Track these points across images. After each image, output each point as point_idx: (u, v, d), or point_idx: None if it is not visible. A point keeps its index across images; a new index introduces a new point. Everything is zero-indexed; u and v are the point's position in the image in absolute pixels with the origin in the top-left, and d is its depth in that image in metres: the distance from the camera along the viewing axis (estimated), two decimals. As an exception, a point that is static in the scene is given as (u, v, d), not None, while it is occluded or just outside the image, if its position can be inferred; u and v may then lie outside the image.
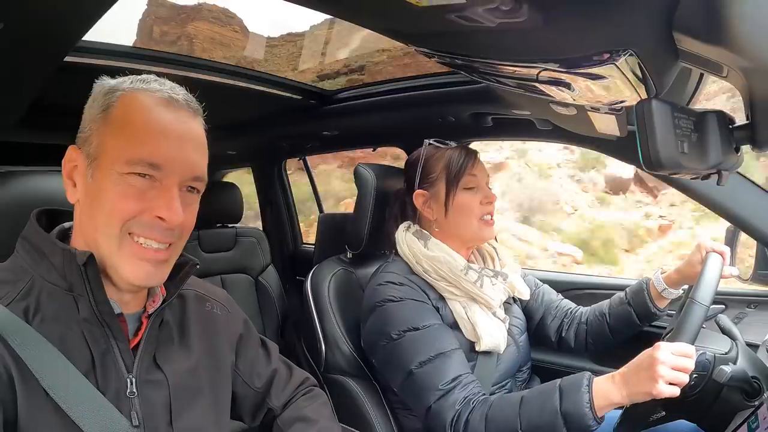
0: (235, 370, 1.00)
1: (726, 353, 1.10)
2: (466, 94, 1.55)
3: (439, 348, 1.22)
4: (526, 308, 1.56)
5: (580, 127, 1.21)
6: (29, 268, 0.77)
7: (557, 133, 1.49)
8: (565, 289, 1.74)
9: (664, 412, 1.11)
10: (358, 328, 1.40)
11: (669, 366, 0.98)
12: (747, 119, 0.67)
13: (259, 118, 2.24)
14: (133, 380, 0.78)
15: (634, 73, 0.69)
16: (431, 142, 1.43)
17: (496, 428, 1.11)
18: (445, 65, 0.93)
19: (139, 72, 0.83)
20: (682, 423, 1.19)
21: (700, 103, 1.03)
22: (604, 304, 1.49)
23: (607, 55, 0.63)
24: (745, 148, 0.74)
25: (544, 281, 1.63)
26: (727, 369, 1.04)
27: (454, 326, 1.31)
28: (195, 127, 0.80)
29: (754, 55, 0.54)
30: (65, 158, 0.79)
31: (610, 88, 0.75)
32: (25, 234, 0.79)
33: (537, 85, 0.82)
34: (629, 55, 0.63)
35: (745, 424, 1.03)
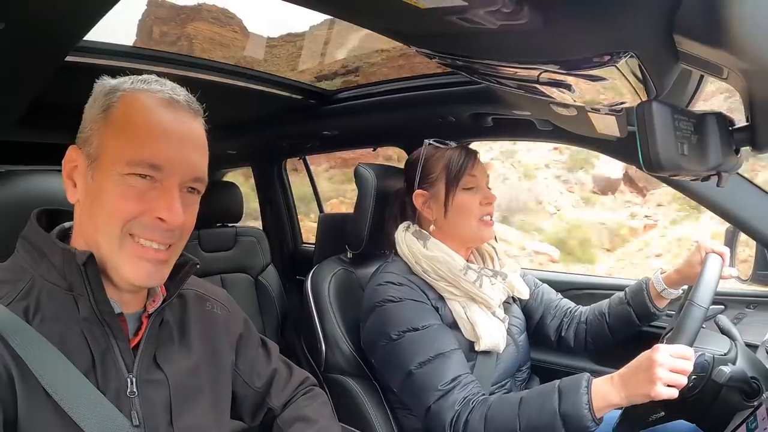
0: (235, 370, 1.00)
1: (725, 354, 1.11)
2: (466, 95, 1.56)
3: (439, 348, 1.22)
4: (526, 308, 1.56)
5: (581, 127, 1.22)
6: (29, 267, 0.77)
7: (557, 133, 1.49)
8: (565, 288, 1.74)
9: (663, 413, 1.12)
10: (358, 328, 1.40)
11: (667, 368, 0.99)
12: (747, 121, 0.67)
13: (260, 118, 2.24)
14: (134, 380, 0.78)
15: (635, 75, 0.69)
16: (431, 142, 1.43)
17: (495, 428, 1.12)
18: (446, 66, 0.93)
19: (139, 72, 0.83)
20: (681, 423, 1.19)
21: (698, 104, 1.03)
22: (604, 303, 1.49)
23: (607, 57, 0.63)
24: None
25: (544, 281, 1.63)
26: (727, 369, 1.04)
27: (454, 326, 1.31)
28: (196, 127, 0.80)
29: (754, 58, 0.54)
30: (65, 158, 0.78)
31: (610, 89, 0.75)
32: (25, 234, 0.79)
33: (537, 86, 0.82)
34: (630, 56, 0.63)
35: (744, 424, 1.03)
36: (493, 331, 1.31)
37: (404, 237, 1.38)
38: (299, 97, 1.90)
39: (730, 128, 0.71)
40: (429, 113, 1.73)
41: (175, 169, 0.76)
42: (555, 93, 0.84)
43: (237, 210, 2.51)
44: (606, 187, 12.18)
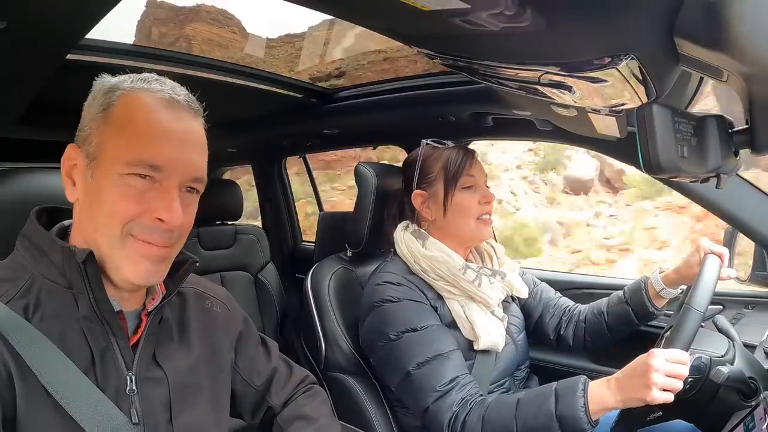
0: (234, 368, 1.00)
1: (723, 354, 1.11)
2: (466, 94, 1.56)
3: (437, 349, 1.22)
4: (525, 307, 1.56)
5: (581, 128, 1.22)
6: (29, 265, 0.77)
7: (557, 133, 1.49)
8: (564, 288, 1.74)
9: (661, 412, 1.12)
10: (358, 327, 1.40)
11: (663, 373, 0.99)
12: (746, 123, 0.68)
13: (260, 116, 2.24)
14: (133, 378, 0.78)
15: (635, 77, 0.69)
16: (429, 142, 1.43)
17: (492, 429, 1.12)
18: (447, 66, 0.93)
19: (139, 70, 0.82)
20: (679, 423, 1.20)
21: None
22: (603, 302, 1.49)
23: (608, 59, 0.64)
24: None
25: (543, 280, 1.64)
26: (724, 369, 1.05)
27: (453, 325, 1.31)
28: (195, 127, 0.80)
29: (754, 61, 0.54)
30: (64, 156, 0.78)
31: (610, 91, 0.76)
32: (25, 232, 0.79)
33: (538, 87, 0.82)
34: (630, 59, 0.63)
35: (742, 424, 1.03)
36: (492, 330, 1.31)
37: (403, 236, 1.38)
38: (299, 95, 1.90)
39: (730, 131, 0.71)
40: (429, 112, 1.73)
41: (175, 169, 0.75)
42: (555, 94, 0.85)
43: (237, 208, 2.52)
44: (578, 188, 12.27)
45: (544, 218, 11.44)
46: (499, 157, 13.60)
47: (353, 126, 2.09)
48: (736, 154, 0.73)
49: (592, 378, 1.12)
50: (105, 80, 0.79)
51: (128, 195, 0.73)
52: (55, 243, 0.76)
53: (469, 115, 1.66)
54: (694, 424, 1.18)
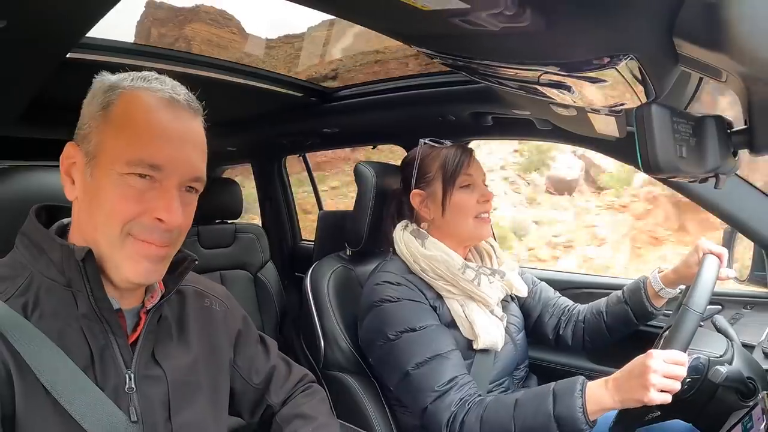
0: (233, 367, 1.00)
1: (722, 354, 1.11)
2: (466, 94, 1.56)
3: (436, 349, 1.22)
4: (524, 306, 1.56)
5: (580, 127, 1.22)
6: (28, 263, 0.77)
7: (557, 133, 1.49)
8: (563, 288, 1.74)
9: (659, 412, 1.12)
10: (357, 326, 1.40)
11: (660, 374, 0.99)
12: (745, 124, 0.68)
13: (260, 115, 2.24)
14: (132, 376, 0.78)
15: (635, 77, 0.69)
16: (426, 141, 1.43)
17: (490, 429, 1.12)
18: (447, 66, 0.93)
19: (139, 68, 0.82)
20: (678, 422, 1.20)
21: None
22: (602, 302, 1.49)
23: (608, 59, 0.64)
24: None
25: (542, 279, 1.64)
26: (723, 369, 1.05)
27: (452, 325, 1.31)
28: (195, 127, 0.80)
29: (753, 62, 0.54)
30: (63, 154, 0.78)
31: (610, 91, 0.76)
32: (24, 230, 0.79)
33: (538, 87, 0.82)
34: (630, 59, 0.63)
35: (740, 423, 1.04)
36: (491, 330, 1.31)
37: (402, 236, 1.38)
38: (299, 94, 1.91)
39: (729, 131, 0.71)
40: (429, 112, 1.73)
41: (175, 169, 0.75)
42: (555, 94, 0.85)
43: (237, 206, 2.52)
44: (562, 188, 12.31)
45: (521, 218, 11.49)
46: (484, 159, 13.72)
47: (353, 125, 2.09)
48: (735, 154, 0.73)
49: (591, 378, 1.12)
50: (105, 78, 0.79)
51: (128, 195, 0.73)
52: (54, 241, 0.76)
53: (469, 115, 1.66)
54: (693, 423, 1.18)
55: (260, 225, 2.93)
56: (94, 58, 1.30)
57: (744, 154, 0.74)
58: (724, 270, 1.23)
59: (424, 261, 1.32)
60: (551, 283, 1.65)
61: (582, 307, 1.53)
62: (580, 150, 10.28)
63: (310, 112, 2.03)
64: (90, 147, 0.75)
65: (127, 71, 0.80)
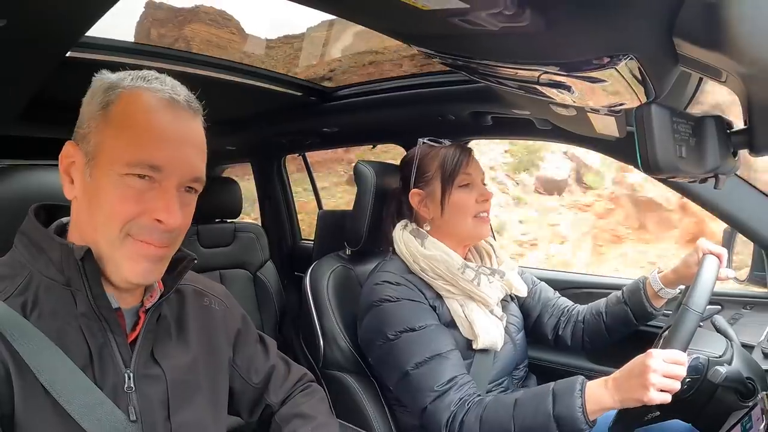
0: (232, 366, 1.00)
1: (721, 354, 1.11)
2: (466, 93, 1.56)
3: (435, 349, 1.22)
4: (523, 306, 1.56)
5: (580, 127, 1.22)
6: (27, 263, 0.76)
7: (557, 132, 1.49)
8: (563, 287, 1.74)
9: (658, 412, 1.12)
10: (356, 325, 1.40)
11: (660, 374, 0.99)
12: (745, 124, 0.68)
13: (259, 114, 2.24)
14: (131, 375, 0.78)
15: (634, 77, 0.69)
16: (425, 141, 1.43)
17: (490, 429, 1.12)
18: (446, 65, 0.93)
19: (139, 67, 0.82)
20: (677, 423, 1.20)
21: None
22: (601, 302, 1.49)
23: (607, 60, 0.64)
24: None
25: (542, 279, 1.64)
26: (722, 369, 1.05)
27: (452, 324, 1.31)
28: (195, 128, 0.80)
29: (753, 62, 0.54)
30: (62, 153, 0.78)
31: (609, 91, 0.76)
32: (23, 229, 0.79)
33: (537, 87, 0.82)
34: (629, 59, 0.63)
35: (739, 424, 1.04)
36: (490, 329, 1.31)
37: (402, 236, 1.38)
38: (299, 93, 1.91)
39: (728, 131, 0.71)
40: (429, 111, 1.73)
41: (174, 169, 0.75)
42: (555, 93, 0.85)
43: (236, 206, 2.51)
44: (552, 188, 12.37)
45: (506, 218, 11.52)
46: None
47: (353, 124, 2.09)
48: (735, 154, 0.73)
49: (591, 378, 1.12)
50: (104, 77, 0.78)
51: (127, 196, 0.73)
52: (54, 240, 0.76)
53: (469, 114, 1.66)
54: (692, 424, 1.18)
55: (259, 224, 2.92)
56: (94, 57, 1.30)
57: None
58: (724, 270, 1.23)
59: (423, 261, 1.32)
60: (551, 282, 1.65)
61: (581, 308, 1.53)
62: (571, 150, 10.31)
63: (310, 112, 2.03)
64: (89, 147, 0.75)
65: (127, 70, 0.80)
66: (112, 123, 0.74)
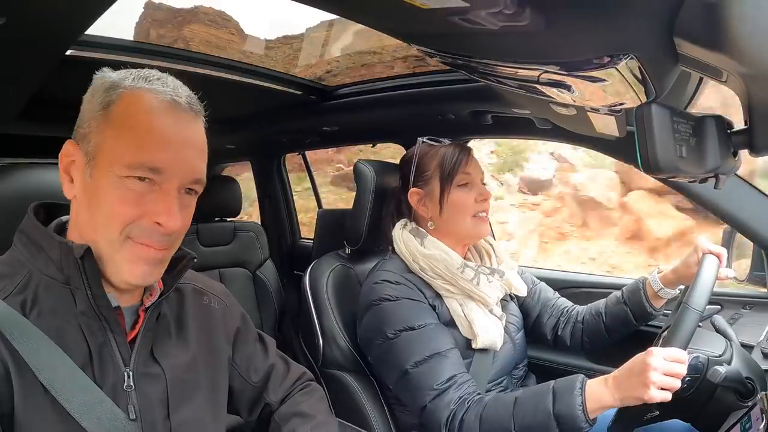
0: (232, 365, 1.00)
1: (720, 354, 1.11)
2: (465, 92, 1.56)
3: (435, 348, 1.22)
4: (523, 306, 1.56)
5: (580, 127, 1.22)
6: (27, 261, 0.76)
7: (556, 132, 1.49)
8: (562, 287, 1.74)
9: (658, 412, 1.12)
10: (356, 324, 1.40)
11: (661, 372, 0.99)
12: (745, 124, 0.68)
13: (259, 113, 2.24)
14: (130, 373, 0.78)
15: (635, 77, 0.69)
16: (425, 140, 1.43)
17: (489, 428, 1.12)
18: (446, 64, 0.93)
19: (139, 66, 0.81)
20: (677, 422, 1.20)
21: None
22: (601, 303, 1.49)
23: (608, 59, 0.64)
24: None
25: (541, 279, 1.64)
26: (722, 369, 1.05)
27: (451, 324, 1.31)
28: (196, 130, 0.79)
29: (753, 62, 0.54)
30: (62, 152, 0.78)
31: (610, 90, 0.75)
32: (23, 227, 0.79)
33: (537, 86, 0.82)
34: (630, 58, 0.63)
35: (738, 424, 1.04)
36: (490, 329, 1.31)
37: (401, 235, 1.38)
38: (299, 92, 1.90)
39: (729, 131, 0.71)
40: (428, 110, 1.73)
41: (175, 172, 0.75)
42: (555, 93, 0.85)
43: (236, 205, 2.51)
44: (536, 188, 12.46)
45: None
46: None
47: (352, 123, 2.09)
48: (735, 154, 0.73)
49: (590, 377, 1.12)
50: (106, 75, 0.78)
51: (127, 198, 0.73)
52: (53, 239, 0.76)
53: (469, 113, 1.66)
54: (691, 423, 1.18)
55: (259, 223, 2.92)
56: (94, 56, 1.30)
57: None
58: (723, 270, 1.23)
59: (423, 260, 1.32)
60: (550, 282, 1.65)
61: (581, 309, 1.53)
62: (558, 151, 10.38)
63: (310, 110, 2.03)
64: (89, 147, 0.75)
65: (127, 68, 0.80)
66: (112, 124, 0.74)
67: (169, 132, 0.75)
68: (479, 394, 1.20)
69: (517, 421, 1.10)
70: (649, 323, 1.46)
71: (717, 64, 0.60)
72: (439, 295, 1.33)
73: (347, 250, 1.63)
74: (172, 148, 0.75)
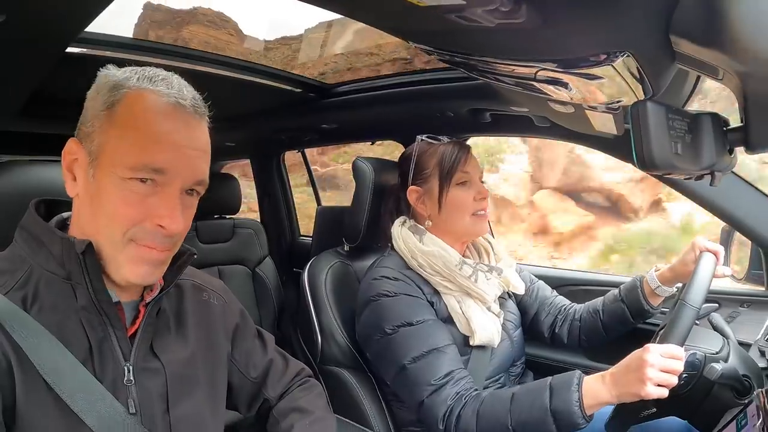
0: (230, 360, 1.00)
1: (718, 352, 1.11)
2: (464, 90, 1.56)
3: (432, 344, 1.22)
4: (521, 303, 1.56)
5: (578, 124, 1.22)
6: (27, 257, 0.77)
7: (555, 130, 1.49)
8: (559, 284, 1.75)
9: (655, 409, 1.13)
10: (354, 321, 1.41)
11: (657, 368, 1.00)
12: (741, 121, 0.68)
13: (259, 111, 2.24)
14: (130, 368, 0.79)
15: (631, 74, 0.69)
16: (424, 138, 1.43)
17: (486, 423, 1.13)
18: (444, 62, 0.93)
19: (139, 64, 0.81)
20: (673, 419, 1.20)
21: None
22: (598, 301, 1.49)
23: (604, 56, 0.64)
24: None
25: (539, 277, 1.64)
26: (718, 367, 1.05)
27: (449, 320, 1.32)
28: (200, 132, 0.79)
29: (749, 59, 0.54)
30: (65, 150, 0.77)
31: (607, 88, 0.76)
32: (24, 223, 0.79)
33: (535, 83, 0.82)
34: (626, 56, 0.63)
35: (735, 421, 1.04)
36: (487, 326, 1.31)
37: (400, 232, 1.38)
38: (298, 90, 1.91)
39: (725, 128, 0.71)
40: (427, 108, 1.73)
41: (178, 173, 0.75)
42: (552, 90, 0.85)
43: (235, 202, 2.51)
44: None
45: None
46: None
47: (351, 121, 2.09)
48: (731, 151, 0.73)
49: (588, 375, 1.12)
50: (110, 73, 0.78)
51: (130, 200, 0.73)
52: (55, 234, 0.76)
53: (467, 111, 1.66)
54: (688, 420, 1.18)
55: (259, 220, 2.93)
56: (94, 53, 1.30)
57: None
58: (721, 267, 1.23)
59: (421, 257, 1.32)
60: (548, 279, 1.65)
61: (578, 307, 1.53)
62: (534, 153, 10.48)
63: (309, 108, 2.03)
64: (93, 146, 0.75)
65: (129, 65, 0.79)
66: (116, 124, 0.74)
67: (172, 134, 0.75)
68: (476, 390, 1.20)
69: (513, 417, 1.10)
70: (647, 321, 1.46)
71: (713, 61, 0.60)
72: (437, 292, 1.33)
73: (346, 247, 1.64)
74: (175, 150, 0.75)
